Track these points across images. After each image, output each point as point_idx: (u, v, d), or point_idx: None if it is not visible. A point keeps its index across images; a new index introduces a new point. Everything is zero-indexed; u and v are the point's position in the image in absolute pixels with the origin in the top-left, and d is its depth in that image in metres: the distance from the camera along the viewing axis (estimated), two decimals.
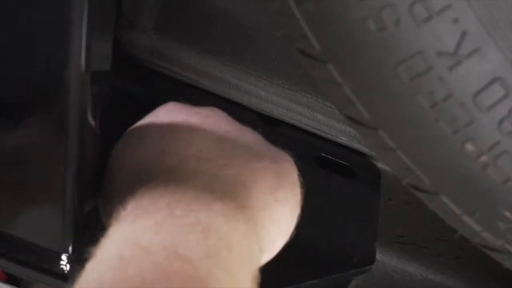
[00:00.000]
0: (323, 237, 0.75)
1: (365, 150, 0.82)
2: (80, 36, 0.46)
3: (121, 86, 0.73)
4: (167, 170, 0.51)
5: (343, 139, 0.81)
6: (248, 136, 0.56)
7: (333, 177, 0.79)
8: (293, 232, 0.54)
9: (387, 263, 0.83)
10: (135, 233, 0.44)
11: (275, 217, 0.52)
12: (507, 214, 0.46)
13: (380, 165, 0.82)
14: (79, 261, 0.65)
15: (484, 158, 0.44)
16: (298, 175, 0.56)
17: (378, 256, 0.80)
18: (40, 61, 0.47)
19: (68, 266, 0.64)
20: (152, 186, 0.48)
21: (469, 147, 0.43)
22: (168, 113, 0.57)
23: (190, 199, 0.46)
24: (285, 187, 0.53)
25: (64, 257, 0.63)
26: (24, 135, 0.52)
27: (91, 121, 0.53)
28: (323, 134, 0.79)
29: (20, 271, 0.65)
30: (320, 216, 0.75)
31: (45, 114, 0.51)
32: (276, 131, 0.78)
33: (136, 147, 0.54)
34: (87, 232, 0.65)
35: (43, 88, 0.49)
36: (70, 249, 0.62)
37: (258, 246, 0.49)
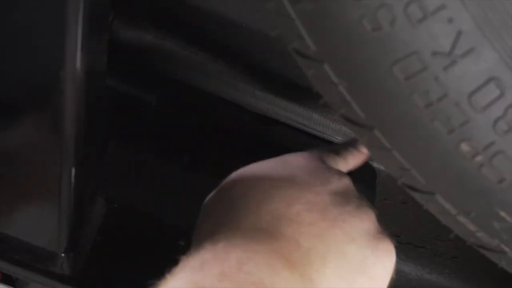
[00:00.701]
0: None
1: None
2: (75, 36, 0.46)
3: (116, 86, 0.73)
4: (253, 223, 0.51)
5: (338, 139, 0.81)
6: (341, 192, 0.56)
7: None
8: None
9: None
10: (200, 276, 0.45)
11: None
12: (502, 214, 0.46)
13: (375, 164, 0.83)
14: (74, 261, 0.65)
15: (479, 158, 0.44)
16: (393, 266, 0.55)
17: None
18: (36, 60, 0.47)
19: (63, 266, 0.64)
20: (230, 235, 0.49)
21: (464, 147, 0.43)
22: (282, 165, 0.58)
23: (261, 260, 0.47)
24: (369, 277, 0.52)
25: (59, 257, 0.63)
26: (20, 135, 0.52)
27: (87, 121, 0.53)
28: (318, 134, 0.79)
29: (16, 271, 0.65)
30: None
31: (41, 114, 0.51)
32: (272, 131, 0.78)
33: (243, 189, 0.55)
34: (83, 233, 0.65)
35: (39, 88, 0.49)
36: (65, 249, 0.62)
37: None
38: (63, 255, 0.64)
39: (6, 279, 0.78)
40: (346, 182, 0.58)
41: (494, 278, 0.84)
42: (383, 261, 0.53)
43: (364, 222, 0.54)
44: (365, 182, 0.82)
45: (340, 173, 0.59)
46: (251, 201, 0.53)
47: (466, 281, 0.86)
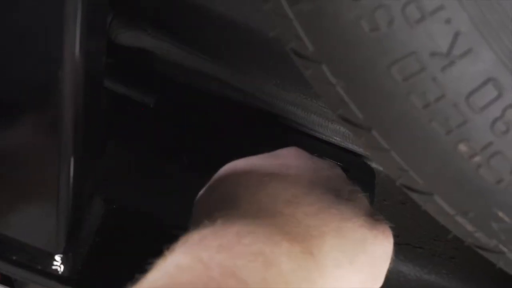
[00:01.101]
0: None
1: (359, 150, 0.82)
2: (74, 36, 0.46)
3: (115, 87, 0.73)
4: (251, 204, 0.51)
5: (337, 139, 0.81)
6: (334, 179, 0.57)
7: None
8: None
9: None
10: (198, 248, 0.45)
11: (342, 280, 0.51)
12: (501, 214, 0.46)
13: (374, 165, 0.83)
14: (72, 261, 0.65)
15: (477, 159, 0.44)
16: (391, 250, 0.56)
17: None
18: (34, 61, 0.47)
19: (61, 266, 0.64)
20: (229, 212, 0.49)
21: (462, 147, 0.43)
22: (274, 157, 0.59)
23: (260, 233, 0.47)
24: (369, 256, 0.53)
25: (57, 257, 0.63)
26: (18, 135, 0.52)
27: (85, 121, 0.53)
28: (316, 134, 0.79)
29: (14, 272, 0.65)
30: None
31: (39, 114, 0.51)
32: (271, 132, 0.79)
33: (236, 179, 0.55)
34: (81, 233, 0.65)
35: (38, 88, 0.49)
36: (63, 249, 0.62)
37: None
38: (61, 255, 0.64)
39: (5, 280, 0.78)
40: (338, 171, 0.60)
41: (492, 278, 0.84)
42: (382, 242, 0.54)
43: (360, 204, 0.55)
44: (363, 183, 0.82)
45: (331, 163, 0.61)
46: (246, 188, 0.53)
47: (465, 282, 0.86)
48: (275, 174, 0.55)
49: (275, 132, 0.80)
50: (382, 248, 0.54)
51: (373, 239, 0.53)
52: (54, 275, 0.64)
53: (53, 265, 0.64)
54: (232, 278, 0.42)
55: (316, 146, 0.79)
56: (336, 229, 0.51)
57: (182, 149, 0.77)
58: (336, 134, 0.81)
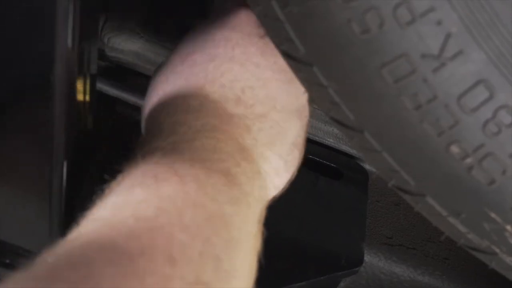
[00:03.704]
0: (311, 239, 0.75)
1: (352, 151, 0.82)
2: (65, 39, 0.46)
3: (108, 90, 0.73)
4: (207, 101, 0.52)
5: (330, 141, 0.81)
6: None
7: (320, 179, 0.79)
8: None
9: (375, 264, 0.83)
10: (172, 159, 0.46)
11: (280, 183, 0.54)
12: (492, 215, 0.46)
13: (367, 166, 0.83)
14: None
15: (469, 160, 0.44)
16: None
17: (366, 257, 0.80)
18: (26, 64, 0.47)
19: None
20: (190, 119, 0.50)
21: (454, 149, 0.44)
22: (230, 32, 0.55)
23: (223, 150, 0.49)
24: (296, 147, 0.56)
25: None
26: (10, 138, 0.52)
27: (78, 124, 0.53)
28: (310, 136, 0.79)
29: (7, 275, 0.65)
30: (308, 218, 0.75)
31: (31, 117, 0.51)
32: None
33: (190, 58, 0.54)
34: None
35: (30, 91, 0.49)
36: None
37: (264, 203, 0.52)
38: None
39: None
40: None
41: (485, 279, 0.85)
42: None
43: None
44: (357, 184, 0.82)
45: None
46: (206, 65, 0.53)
47: (458, 282, 0.86)
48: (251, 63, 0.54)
49: None
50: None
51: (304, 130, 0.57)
52: None
53: None
54: (206, 196, 0.44)
55: (309, 148, 0.79)
56: (280, 131, 0.53)
57: None
58: (329, 136, 0.81)
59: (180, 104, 0.52)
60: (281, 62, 0.51)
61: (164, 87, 0.54)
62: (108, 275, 0.35)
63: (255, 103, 0.52)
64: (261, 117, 0.52)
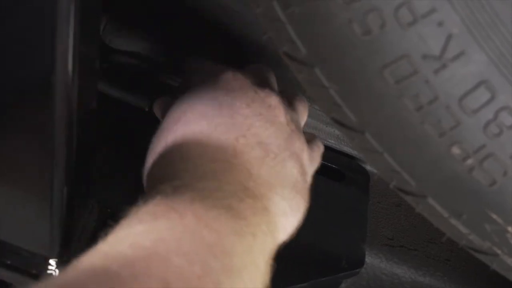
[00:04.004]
0: (312, 240, 0.75)
1: (354, 152, 0.82)
2: (66, 40, 0.46)
3: (109, 91, 0.73)
4: (206, 151, 0.54)
5: (331, 142, 0.81)
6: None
7: (322, 180, 0.79)
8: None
9: (376, 265, 0.83)
10: (171, 199, 0.47)
11: (287, 225, 0.56)
12: (494, 216, 0.46)
13: (369, 167, 0.83)
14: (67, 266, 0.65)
15: (470, 161, 0.44)
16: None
17: (367, 258, 0.80)
18: (27, 65, 0.47)
19: (56, 270, 0.63)
20: (191, 166, 0.52)
21: (455, 150, 0.44)
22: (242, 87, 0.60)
23: (226, 189, 0.50)
24: (301, 196, 0.58)
25: (52, 261, 0.63)
26: (11, 139, 0.52)
27: (79, 125, 0.53)
28: None
29: (9, 276, 0.65)
30: (309, 219, 0.75)
31: (32, 118, 0.51)
32: None
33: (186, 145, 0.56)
34: (76, 237, 0.65)
35: (30, 92, 0.49)
36: (58, 254, 0.62)
37: (275, 240, 0.53)
38: (56, 260, 0.64)
39: (0, 285, 0.78)
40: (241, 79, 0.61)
41: (486, 280, 0.85)
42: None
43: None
44: (358, 185, 0.82)
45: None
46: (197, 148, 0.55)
47: (459, 284, 0.86)
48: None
49: None
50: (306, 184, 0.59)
51: (303, 177, 0.58)
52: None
53: (48, 269, 0.64)
54: (206, 228, 0.44)
55: None
56: (281, 178, 0.56)
57: None
58: (331, 136, 0.81)
59: (180, 156, 0.54)
60: (265, 112, 0.57)
61: (161, 145, 0.56)
62: None
63: (250, 150, 0.55)
64: (258, 161, 0.55)
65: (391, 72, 0.41)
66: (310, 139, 0.63)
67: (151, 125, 0.60)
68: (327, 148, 0.81)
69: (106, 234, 0.44)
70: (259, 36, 0.47)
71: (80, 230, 0.66)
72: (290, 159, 0.57)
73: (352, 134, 0.46)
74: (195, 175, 0.51)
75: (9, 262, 0.63)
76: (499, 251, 0.49)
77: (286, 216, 0.55)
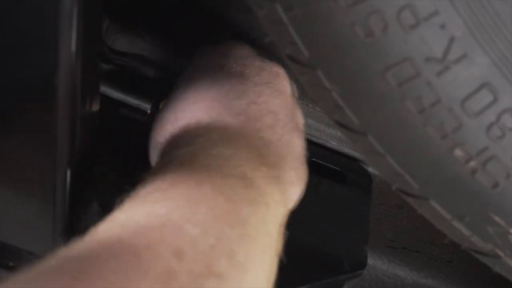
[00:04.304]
0: (314, 242, 0.75)
1: (356, 155, 0.82)
2: (69, 42, 0.46)
3: (111, 93, 0.73)
4: (219, 118, 0.54)
5: (333, 144, 0.81)
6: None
7: (324, 182, 0.79)
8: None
9: (379, 267, 0.83)
10: (188, 167, 0.47)
11: (294, 195, 0.56)
12: (496, 218, 0.46)
13: (371, 169, 0.83)
14: None
15: (472, 163, 0.44)
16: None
17: (370, 260, 0.80)
18: (30, 66, 0.47)
19: None
20: (206, 132, 0.52)
21: (458, 152, 0.44)
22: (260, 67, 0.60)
23: (241, 156, 0.51)
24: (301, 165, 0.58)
25: None
26: (13, 141, 0.52)
27: (81, 126, 0.53)
28: (313, 139, 0.79)
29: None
30: (311, 221, 0.75)
31: (34, 120, 0.51)
32: None
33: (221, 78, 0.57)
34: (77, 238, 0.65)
35: (33, 93, 0.49)
36: None
37: (286, 208, 0.54)
38: None
39: None
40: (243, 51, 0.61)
41: (488, 282, 0.85)
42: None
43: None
44: (360, 187, 0.82)
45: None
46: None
47: (461, 285, 0.86)
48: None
49: None
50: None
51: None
52: None
53: None
54: (222, 196, 0.45)
55: (313, 151, 0.79)
56: (291, 150, 0.56)
57: None
58: (333, 138, 0.81)
59: (193, 122, 0.54)
60: (274, 81, 0.57)
61: (172, 113, 0.57)
62: (110, 269, 0.36)
63: (261, 116, 0.55)
64: (269, 128, 0.55)
65: (394, 74, 0.41)
66: None
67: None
68: (329, 150, 0.81)
69: (121, 201, 0.45)
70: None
71: (82, 232, 0.66)
72: (295, 130, 0.58)
73: (354, 136, 0.46)
74: (210, 141, 0.51)
75: (11, 264, 0.63)
76: (501, 253, 0.49)
77: (294, 185, 0.56)
